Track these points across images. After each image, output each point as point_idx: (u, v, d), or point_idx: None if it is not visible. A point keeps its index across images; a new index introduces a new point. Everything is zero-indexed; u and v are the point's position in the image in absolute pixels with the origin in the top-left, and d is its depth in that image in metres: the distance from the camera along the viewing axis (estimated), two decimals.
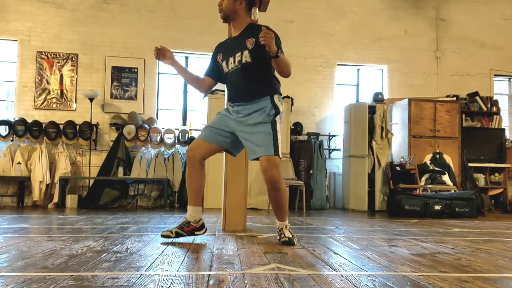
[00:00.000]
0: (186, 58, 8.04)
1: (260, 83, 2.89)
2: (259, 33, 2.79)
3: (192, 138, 7.43)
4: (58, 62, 7.56)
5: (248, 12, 3.00)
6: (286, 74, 2.82)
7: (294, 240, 2.87)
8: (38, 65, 7.50)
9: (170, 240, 2.90)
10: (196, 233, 2.93)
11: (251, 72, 2.87)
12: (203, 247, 2.69)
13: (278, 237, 2.94)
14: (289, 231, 2.93)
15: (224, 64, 2.98)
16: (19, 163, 6.95)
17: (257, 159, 2.85)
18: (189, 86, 6.91)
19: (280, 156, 2.85)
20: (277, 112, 2.86)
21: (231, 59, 2.92)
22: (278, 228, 2.97)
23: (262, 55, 2.81)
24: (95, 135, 7.41)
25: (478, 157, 7.89)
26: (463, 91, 8.31)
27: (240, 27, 2.97)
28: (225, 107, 3.12)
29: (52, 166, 7.15)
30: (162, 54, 3.02)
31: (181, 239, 2.99)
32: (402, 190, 6.58)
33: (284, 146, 7.23)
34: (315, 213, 6.47)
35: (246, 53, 2.85)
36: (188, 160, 2.96)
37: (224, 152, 3.82)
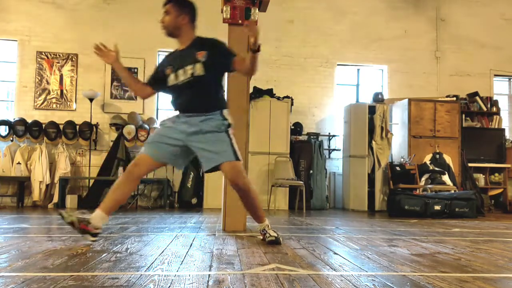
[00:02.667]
0: None
1: (212, 97, 2.89)
2: (209, 45, 2.84)
3: None
4: (58, 62, 7.56)
5: (192, 25, 2.95)
6: (254, 72, 2.83)
7: (280, 239, 2.88)
8: (38, 65, 7.50)
9: (166, 241, 2.90)
10: (86, 236, 2.72)
11: (203, 85, 2.85)
12: (203, 247, 2.69)
13: (262, 237, 2.95)
14: (273, 230, 2.93)
15: (172, 76, 2.90)
16: (19, 163, 6.95)
17: (215, 169, 2.84)
18: None
19: (241, 159, 2.87)
20: (229, 124, 2.88)
21: (180, 71, 2.86)
22: (260, 230, 2.99)
23: (214, 68, 2.83)
24: (95, 135, 7.41)
25: (478, 157, 7.89)
26: (463, 91, 8.30)
27: (187, 41, 2.93)
28: (170, 118, 3.02)
29: (52, 166, 7.14)
30: (105, 53, 2.96)
31: (180, 240, 2.99)
32: (402, 190, 6.58)
33: (284, 146, 7.24)
34: (315, 213, 6.47)
35: (198, 66, 2.82)
36: (128, 173, 2.86)
37: None
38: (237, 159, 2.84)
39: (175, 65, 2.91)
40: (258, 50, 2.69)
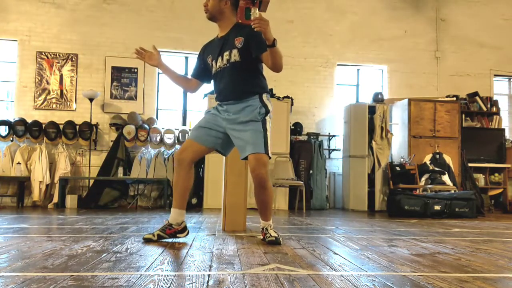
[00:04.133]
0: (186, 58, 8.04)
1: (249, 82, 2.91)
2: (247, 31, 2.83)
3: None
4: (58, 62, 7.56)
5: (234, 11, 2.99)
6: (279, 67, 2.79)
7: (280, 239, 2.88)
8: (38, 65, 7.50)
9: (166, 240, 2.90)
10: (178, 235, 2.88)
11: (240, 70, 2.88)
12: (203, 247, 2.69)
13: (263, 237, 2.95)
14: (274, 231, 2.94)
15: (214, 64, 2.97)
16: (19, 163, 6.94)
17: (247, 157, 2.85)
18: None
19: (270, 155, 2.86)
20: (267, 111, 2.89)
21: (219, 58, 2.92)
22: (263, 228, 2.99)
23: (250, 53, 2.84)
24: (95, 135, 7.41)
25: (478, 157, 7.89)
26: (463, 91, 8.31)
27: (227, 26, 2.96)
28: (215, 106, 3.10)
29: (52, 166, 7.14)
30: (147, 56, 3.04)
31: (180, 240, 2.99)
32: (402, 190, 6.58)
33: (284, 146, 7.23)
34: (315, 213, 6.47)
35: (235, 52, 2.86)
36: (178, 162, 2.92)
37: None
38: (266, 152, 2.83)
39: (215, 52, 2.96)
40: (273, 45, 2.67)
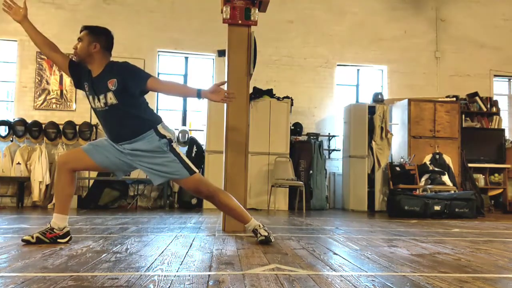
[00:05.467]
0: (186, 58, 8.03)
1: (137, 121, 2.77)
2: (119, 71, 2.76)
3: (191, 138, 7.43)
4: None
5: (105, 53, 2.86)
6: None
7: (271, 237, 2.87)
8: (38, 65, 7.50)
9: (166, 241, 2.90)
10: (59, 240, 2.74)
11: (121, 112, 2.75)
12: (203, 247, 2.69)
13: (256, 238, 2.94)
14: (264, 229, 2.92)
15: (90, 98, 2.82)
16: (18, 163, 6.94)
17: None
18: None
19: (196, 171, 2.87)
20: (169, 140, 2.81)
21: (96, 98, 2.77)
22: (252, 230, 2.98)
23: (127, 93, 2.73)
24: (95, 135, 7.41)
25: (478, 157, 7.89)
26: (463, 92, 8.31)
27: (99, 68, 2.81)
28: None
29: (52, 166, 7.13)
30: (14, 10, 2.83)
31: (180, 240, 2.99)
32: (402, 191, 6.58)
33: (284, 147, 7.24)
34: (315, 213, 6.47)
35: (110, 95, 2.72)
36: (59, 165, 2.81)
37: (223, 152, 3.83)
38: (192, 173, 2.83)
39: (90, 87, 2.81)
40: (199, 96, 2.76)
